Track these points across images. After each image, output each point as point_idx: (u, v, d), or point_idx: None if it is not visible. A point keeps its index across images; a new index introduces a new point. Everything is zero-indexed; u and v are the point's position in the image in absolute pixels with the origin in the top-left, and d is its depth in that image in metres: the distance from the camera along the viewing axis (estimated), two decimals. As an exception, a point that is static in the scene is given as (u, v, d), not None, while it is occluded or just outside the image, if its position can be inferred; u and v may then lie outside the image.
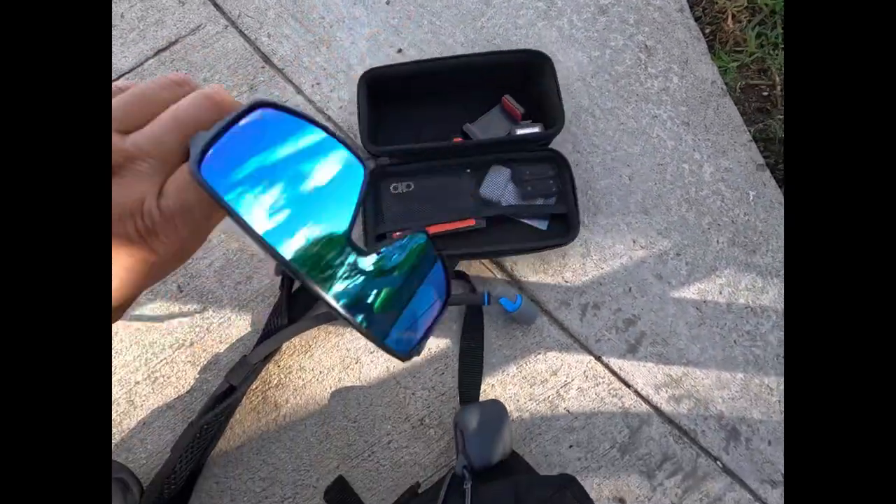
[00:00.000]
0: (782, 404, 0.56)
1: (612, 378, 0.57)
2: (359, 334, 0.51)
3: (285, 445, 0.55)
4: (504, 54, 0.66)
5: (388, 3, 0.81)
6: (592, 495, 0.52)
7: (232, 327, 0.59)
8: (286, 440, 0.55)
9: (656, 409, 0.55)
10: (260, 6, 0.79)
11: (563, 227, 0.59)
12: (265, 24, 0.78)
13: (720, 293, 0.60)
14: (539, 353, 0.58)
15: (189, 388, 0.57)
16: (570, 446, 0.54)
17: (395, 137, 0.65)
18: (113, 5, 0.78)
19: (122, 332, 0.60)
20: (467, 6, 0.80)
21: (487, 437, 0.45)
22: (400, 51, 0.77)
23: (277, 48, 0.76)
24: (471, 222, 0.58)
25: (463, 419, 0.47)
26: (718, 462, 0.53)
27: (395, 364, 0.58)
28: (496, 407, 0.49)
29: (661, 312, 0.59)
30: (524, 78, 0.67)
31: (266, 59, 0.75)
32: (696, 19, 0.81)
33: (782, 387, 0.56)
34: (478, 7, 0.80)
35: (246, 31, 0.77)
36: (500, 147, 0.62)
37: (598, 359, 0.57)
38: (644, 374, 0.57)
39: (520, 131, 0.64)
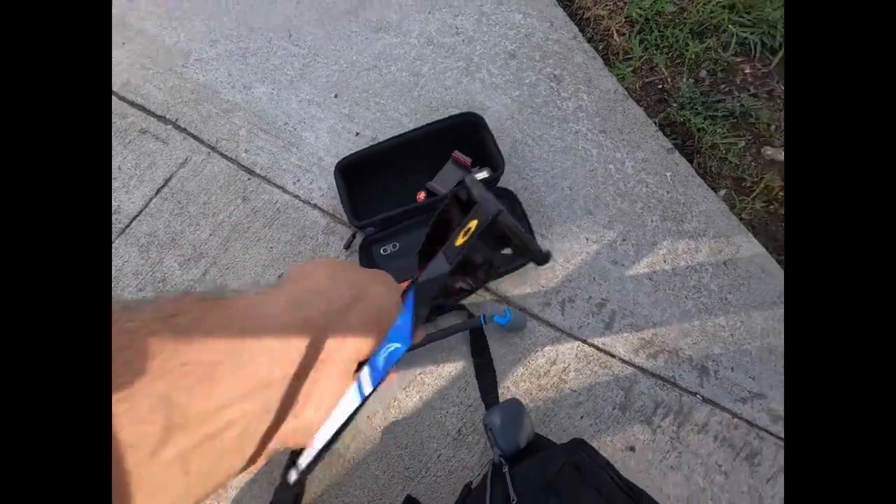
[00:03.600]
0: (734, 338, 0.69)
1: (599, 354, 0.69)
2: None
3: (356, 483, 0.66)
4: (445, 120, 0.81)
5: (336, 96, 0.96)
6: (608, 450, 0.64)
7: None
8: (356, 479, 0.66)
9: (640, 368, 0.68)
10: (232, 128, 0.93)
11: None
12: (241, 142, 0.92)
13: (664, 261, 0.74)
14: (537, 351, 0.70)
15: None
16: (582, 417, 0.66)
17: (373, 208, 0.79)
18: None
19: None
20: (402, 82, 0.95)
21: (512, 429, 0.57)
22: (357, 133, 0.91)
23: (257, 159, 0.90)
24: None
25: (490, 420, 0.59)
26: (698, 395, 0.66)
27: (426, 393, 0.69)
28: (514, 403, 0.62)
29: (623, 290, 0.73)
30: (466, 133, 0.81)
31: (250, 171, 0.89)
32: (589, 41, 0.97)
33: (731, 323, 0.70)
34: (410, 80, 0.95)
35: (226, 153, 0.91)
36: (460, 195, 0.76)
37: (584, 341, 0.70)
38: (623, 343, 0.70)
39: (473, 175, 0.78)
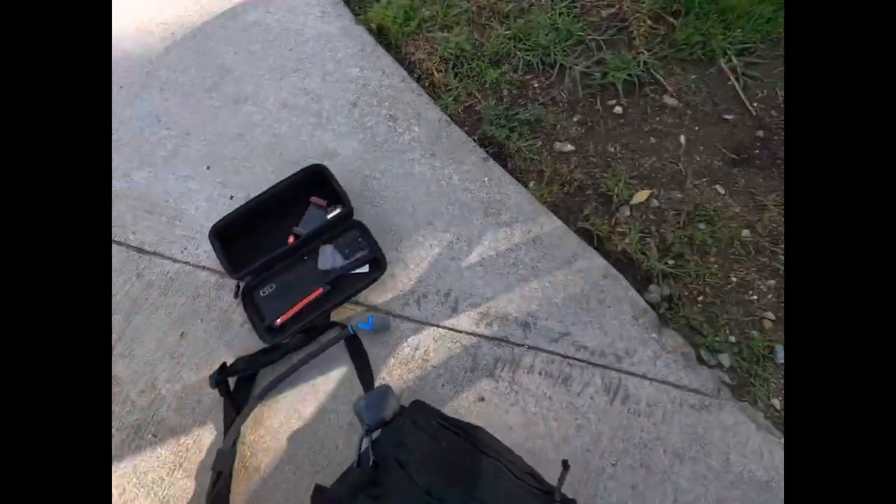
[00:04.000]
0: (545, 295, 0.89)
1: (451, 332, 0.88)
2: (286, 397, 0.78)
3: (272, 488, 0.79)
4: (297, 174, 0.96)
5: (208, 168, 1.09)
6: (465, 404, 0.82)
7: (203, 438, 0.83)
8: (271, 485, 0.79)
9: (481, 336, 0.87)
10: (117, 215, 1.04)
11: (377, 266, 0.89)
12: (127, 226, 1.03)
13: (490, 249, 0.94)
14: (403, 343, 0.87)
15: (192, 494, 0.80)
16: (442, 385, 0.84)
17: (251, 258, 0.92)
18: None
19: (127, 486, 0.81)
20: (264, 144, 1.10)
21: (376, 408, 0.73)
22: (232, 197, 1.05)
23: (144, 238, 1.01)
24: (320, 291, 0.87)
25: (357, 406, 0.74)
26: (524, 345, 0.85)
27: (320, 399, 0.84)
28: (380, 388, 0.77)
29: (462, 279, 0.92)
30: (317, 180, 0.97)
31: (140, 250, 1.00)
32: (416, 81, 1.18)
33: (542, 284, 0.90)
34: (272, 141, 1.10)
35: (116, 238, 1.01)
36: (321, 233, 0.92)
37: (438, 326, 0.88)
38: (466, 320, 0.88)
39: (329, 216, 0.94)
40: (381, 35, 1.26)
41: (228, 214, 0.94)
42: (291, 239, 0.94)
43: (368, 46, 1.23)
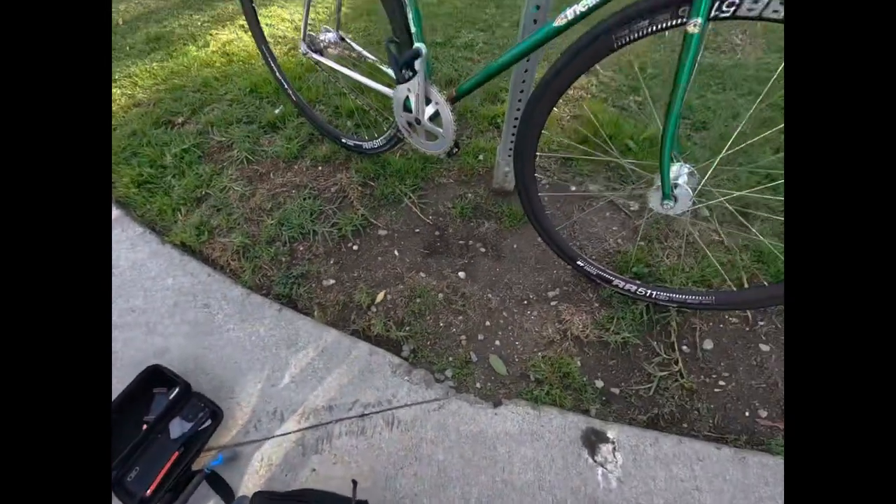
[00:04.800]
0: (337, 383, 1.39)
1: (283, 437, 1.29)
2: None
3: None
4: (138, 376, 1.32)
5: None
6: (302, 477, 1.22)
7: None
8: None
9: (304, 429, 1.31)
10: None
11: (216, 417, 1.29)
12: None
13: (295, 368, 1.41)
14: (252, 460, 1.25)
15: None
16: (286, 475, 1.23)
17: (115, 456, 1.21)
18: None
19: None
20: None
21: (234, 512, 1.09)
22: (86, 416, 1.33)
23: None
24: (176, 454, 1.22)
25: (220, 518, 1.09)
26: (332, 422, 1.32)
27: (198, 533, 1.15)
28: (239, 498, 1.14)
29: (280, 397, 1.36)
30: (156, 376, 1.34)
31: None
32: (220, 272, 1.66)
33: (333, 377, 1.40)
34: (114, 352, 1.43)
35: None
36: (167, 413, 1.28)
37: (273, 437, 1.29)
38: (292, 423, 1.31)
39: (170, 397, 1.31)
40: (184, 247, 1.73)
41: (86, 432, 1.23)
42: (145, 427, 1.27)
43: (176, 259, 1.68)
